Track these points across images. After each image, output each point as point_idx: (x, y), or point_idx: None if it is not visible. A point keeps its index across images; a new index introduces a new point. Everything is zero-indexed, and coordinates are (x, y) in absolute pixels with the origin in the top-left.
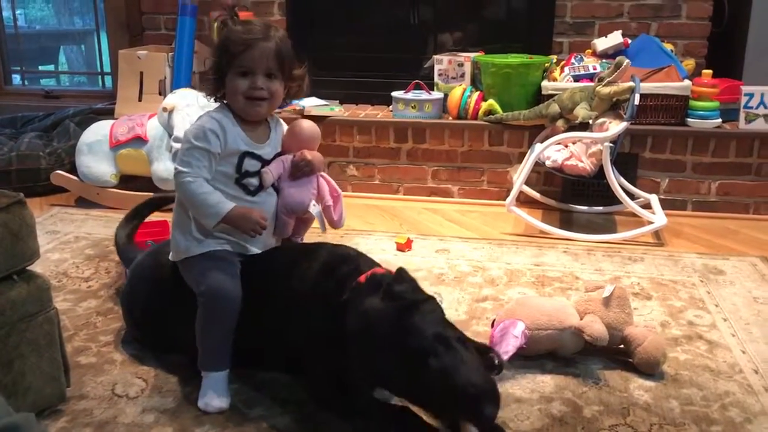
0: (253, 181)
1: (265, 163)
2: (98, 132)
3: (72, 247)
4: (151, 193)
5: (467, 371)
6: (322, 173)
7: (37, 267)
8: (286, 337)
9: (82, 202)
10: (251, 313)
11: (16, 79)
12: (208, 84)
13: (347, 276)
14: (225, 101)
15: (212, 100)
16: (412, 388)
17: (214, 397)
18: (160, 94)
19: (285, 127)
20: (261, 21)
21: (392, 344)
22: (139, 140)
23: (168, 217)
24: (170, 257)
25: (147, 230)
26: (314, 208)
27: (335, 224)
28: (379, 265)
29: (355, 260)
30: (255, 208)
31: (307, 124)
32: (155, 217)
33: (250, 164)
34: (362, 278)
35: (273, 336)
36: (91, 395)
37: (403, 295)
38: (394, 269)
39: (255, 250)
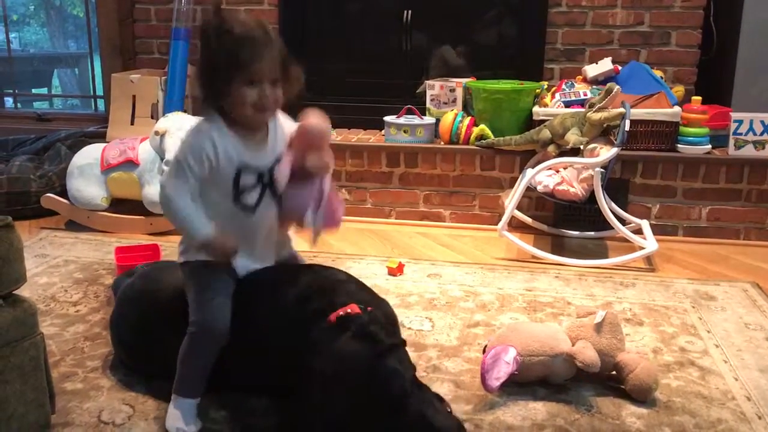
0: (251, 197)
1: (262, 175)
2: (89, 155)
3: (61, 271)
4: (142, 217)
5: (438, 413)
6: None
7: (24, 291)
8: (267, 363)
9: (72, 226)
10: (237, 336)
11: (9, 102)
12: (207, 95)
13: (319, 312)
14: (217, 110)
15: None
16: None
17: (184, 424)
18: (152, 117)
19: (285, 123)
20: (251, 18)
21: (371, 387)
22: (131, 164)
23: (159, 240)
24: (177, 258)
25: (137, 254)
26: (309, 218)
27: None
28: (359, 298)
29: (332, 293)
30: (228, 237)
31: (314, 123)
32: (146, 240)
33: (246, 178)
34: (333, 317)
35: (256, 361)
36: (76, 422)
37: (379, 338)
38: (382, 295)
39: (255, 266)
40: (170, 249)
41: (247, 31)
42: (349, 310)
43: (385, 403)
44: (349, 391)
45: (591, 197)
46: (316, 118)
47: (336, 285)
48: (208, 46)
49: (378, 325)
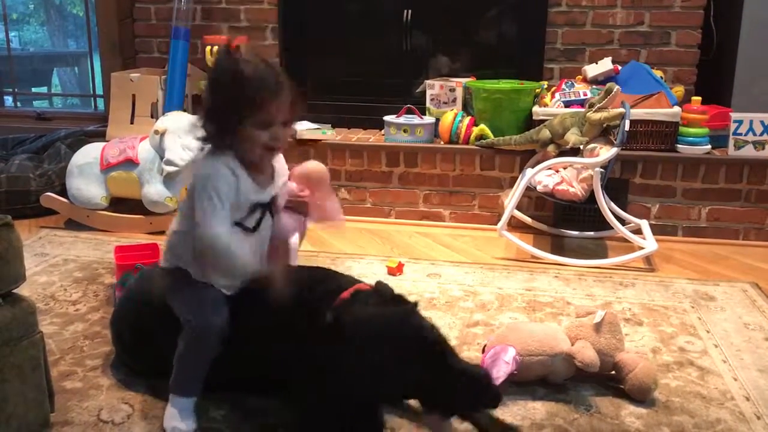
0: (250, 222)
1: (263, 207)
2: (89, 154)
3: (60, 270)
4: (142, 216)
5: (470, 364)
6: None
7: (24, 290)
8: (270, 360)
9: (72, 225)
10: (236, 336)
11: (8, 100)
12: (219, 133)
13: (329, 293)
14: (227, 148)
15: (209, 145)
16: (429, 383)
17: (181, 422)
18: (152, 116)
19: (280, 159)
20: (260, 59)
21: (408, 340)
22: (131, 163)
23: (158, 239)
24: (162, 262)
25: (137, 253)
26: (294, 240)
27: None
28: (360, 282)
29: (335, 279)
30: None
31: (313, 167)
32: (145, 239)
33: (252, 210)
34: (346, 294)
35: (257, 360)
36: (76, 421)
37: (403, 299)
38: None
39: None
40: None
41: (260, 74)
42: (359, 288)
43: (426, 355)
44: (388, 348)
45: (591, 197)
46: (313, 164)
47: (335, 274)
48: (221, 86)
49: (393, 293)
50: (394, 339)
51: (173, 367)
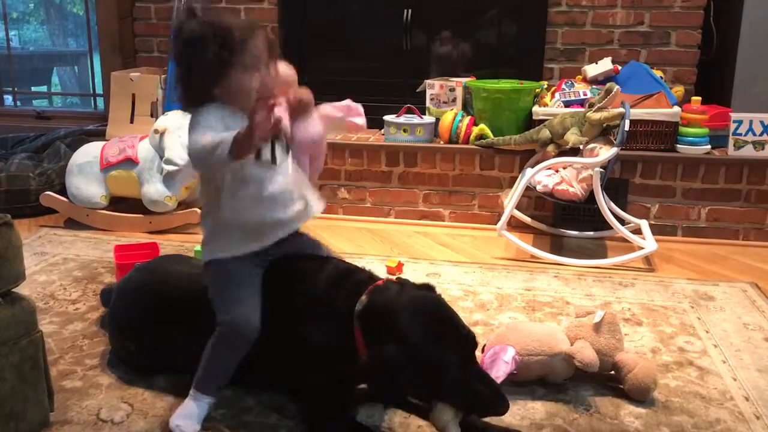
0: (266, 154)
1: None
2: (89, 153)
3: (60, 269)
4: (141, 215)
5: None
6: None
7: (23, 289)
8: (289, 351)
9: (71, 224)
10: (269, 326)
11: (8, 99)
12: (201, 91)
13: (361, 282)
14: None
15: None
16: (457, 374)
17: (190, 423)
18: (151, 116)
19: None
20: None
21: (452, 327)
22: (130, 162)
23: (158, 239)
24: (204, 256)
25: (136, 252)
26: (337, 114)
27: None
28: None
29: (366, 270)
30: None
31: (282, 69)
32: (145, 238)
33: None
34: (381, 282)
35: (276, 350)
36: (75, 420)
37: (432, 286)
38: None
39: (280, 234)
40: (169, 247)
41: (230, 21)
42: (388, 279)
43: (463, 342)
44: (443, 329)
45: (590, 197)
46: (282, 67)
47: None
48: (197, 41)
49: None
50: (434, 319)
51: (201, 364)
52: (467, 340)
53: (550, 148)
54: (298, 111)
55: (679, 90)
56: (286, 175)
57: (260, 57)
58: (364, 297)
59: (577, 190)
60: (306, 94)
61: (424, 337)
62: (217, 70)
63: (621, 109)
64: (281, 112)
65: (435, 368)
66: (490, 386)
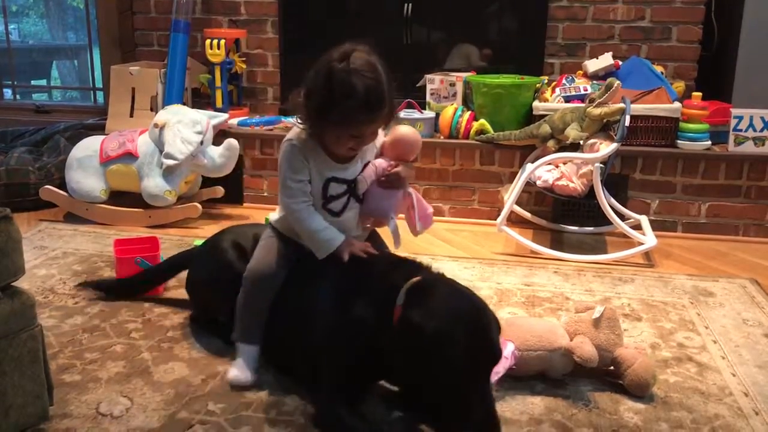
0: (338, 204)
1: (350, 183)
2: (88, 147)
3: (59, 263)
4: (141, 209)
5: None
6: (411, 190)
7: (23, 283)
8: (309, 339)
9: (71, 218)
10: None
11: (8, 93)
12: (311, 124)
13: (418, 267)
14: (312, 133)
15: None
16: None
17: (241, 370)
18: (151, 110)
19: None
20: (371, 67)
21: (487, 338)
22: (130, 156)
23: (158, 232)
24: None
25: (136, 246)
26: (392, 222)
27: (415, 230)
28: None
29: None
30: (356, 242)
31: (408, 131)
32: (145, 232)
33: (334, 188)
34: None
35: (300, 336)
36: (74, 414)
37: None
38: None
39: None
40: (169, 241)
41: (365, 90)
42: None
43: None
44: (467, 319)
45: (590, 192)
46: (407, 128)
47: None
48: (326, 88)
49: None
50: (474, 320)
51: (236, 318)
52: (493, 357)
53: (551, 143)
54: (387, 181)
55: (679, 85)
56: (349, 222)
57: (365, 133)
58: (418, 277)
59: (577, 185)
60: (405, 172)
61: (456, 328)
62: (323, 118)
63: (621, 105)
64: (369, 171)
65: (450, 361)
66: (488, 408)
